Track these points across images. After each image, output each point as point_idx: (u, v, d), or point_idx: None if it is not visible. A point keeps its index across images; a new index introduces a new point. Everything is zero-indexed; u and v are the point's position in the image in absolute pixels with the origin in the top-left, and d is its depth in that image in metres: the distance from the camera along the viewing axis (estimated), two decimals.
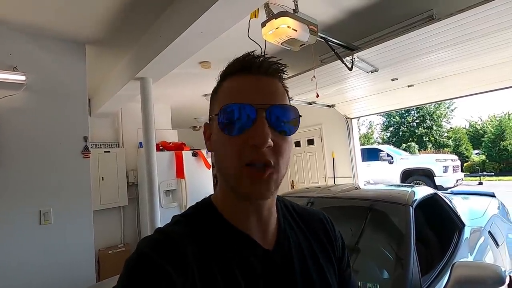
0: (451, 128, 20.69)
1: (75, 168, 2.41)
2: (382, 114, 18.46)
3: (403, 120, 20.95)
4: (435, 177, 8.05)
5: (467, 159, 16.93)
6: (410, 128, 20.70)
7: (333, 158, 5.12)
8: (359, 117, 5.11)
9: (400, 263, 1.30)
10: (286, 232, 0.58)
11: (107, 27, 2.38)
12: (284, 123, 0.50)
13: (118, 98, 3.35)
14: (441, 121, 20.39)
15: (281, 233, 0.57)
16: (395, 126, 21.63)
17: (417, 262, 1.27)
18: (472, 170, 15.02)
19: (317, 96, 3.01)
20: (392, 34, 2.48)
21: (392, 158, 8.83)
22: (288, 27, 1.92)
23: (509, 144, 15.12)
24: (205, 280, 0.45)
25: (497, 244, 1.97)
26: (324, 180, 5.22)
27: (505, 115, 17.22)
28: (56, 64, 2.44)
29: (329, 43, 2.46)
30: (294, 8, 2.04)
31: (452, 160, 8.76)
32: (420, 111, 20.09)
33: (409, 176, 8.45)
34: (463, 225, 1.89)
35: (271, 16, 1.98)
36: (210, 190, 4.36)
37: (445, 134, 20.28)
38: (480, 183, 11.89)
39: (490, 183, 12.01)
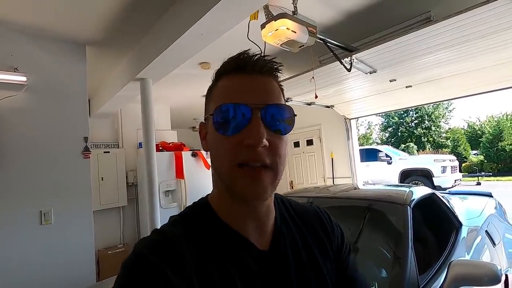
0: (449, 128, 20.77)
1: (76, 168, 2.43)
2: (380, 114, 18.50)
3: (401, 120, 21.01)
4: (433, 178, 8.08)
5: (465, 160, 16.99)
6: (408, 129, 20.76)
7: (332, 159, 5.14)
8: (357, 118, 5.14)
9: (398, 262, 1.31)
10: (282, 231, 0.57)
11: (107, 29, 2.39)
12: (280, 122, 0.50)
13: (118, 98, 3.36)
14: (440, 121, 20.45)
15: (277, 233, 0.56)
16: (393, 126, 21.68)
17: (415, 261, 1.28)
18: (470, 171, 15.08)
19: (316, 97, 3.03)
20: (390, 35, 2.50)
21: (391, 159, 8.85)
22: (287, 29, 1.94)
23: (507, 144, 15.18)
24: (202, 280, 0.45)
25: (493, 244, 1.99)
26: (323, 181, 5.24)
27: (503, 115, 17.28)
28: (57, 65, 2.45)
29: (328, 44, 2.48)
30: (293, 10, 2.06)
31: (450, 160, 8.78)
32: (419, 111, 20.15)
33: (407, 176, 8.48)
34: (461, 224, 1.90)
35: (271, 18, 2.00)
36: (210, 191, 4.33)
37: (444, 135, 20.34)
38: (478, 184, 11.93)
39: (488, 184, 12.06)
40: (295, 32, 1.98)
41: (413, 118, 20.73)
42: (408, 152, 16.33)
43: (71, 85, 2.50)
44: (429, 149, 19.39)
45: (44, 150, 2.30)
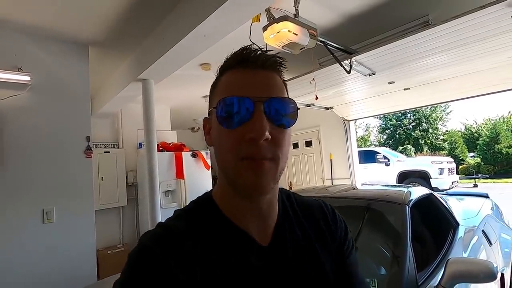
0: (446, 131, 20.86)
1: (78, 168, 2.45)
2: (379, 116, 18.59)
3: (399, 122, 21.10)
4: (431, 179, 8.12)
5: (462, 162, 17.05)
6: (406, 131, 20.85)
7: (330, 160, 5.17)
8: (356, 120, 5.17)
9: (397, 260, 1.33)
10: (284, 226, 0.58)
11: (110, 29, 2.42)
12: (282, 115, 0.50)
13: (119, 99, 3.38)
14: (437, 124, 20.57)
15: (278, 228, 0.57)
16: (391, 128, 21.77)
17: (413, 260, 1.30)
18: (467, 173, 15.14)
19: (316, 98, 3.06)
20: (389, 38, 2.54)
21: (389, 160, 8.89)
22: (289, 31, 1.97)
23: (504, 147, 15.25)
24: (205, 273, 0.46)
25: (490, 243, 2.02)
26: (322, 182, 5.26)
27: (499, 118, 17.39)
28: (60, 64, 2.47)
29: (328, 46, 2.51)
30: (295, 13, 2.09)
31: (447, 162, 8.84)
32: (416, 114, 20.25)
33: (405, 178, 8.52)
34: (458, 224, 1.93)
35: (272, 20, 2.03)
36: None
37: (441, 137, 20.44)
38: (475, 186, 11.98)
39: (485, 186, 12.11)
40: (297, 35, 2.01)
41: (410, 120, 20.83)
42: (406, 154, 16.38)
43: (74, 85, 2.52)
44: (426, 151, 19.47)
45: (47, 149, 2.32)
